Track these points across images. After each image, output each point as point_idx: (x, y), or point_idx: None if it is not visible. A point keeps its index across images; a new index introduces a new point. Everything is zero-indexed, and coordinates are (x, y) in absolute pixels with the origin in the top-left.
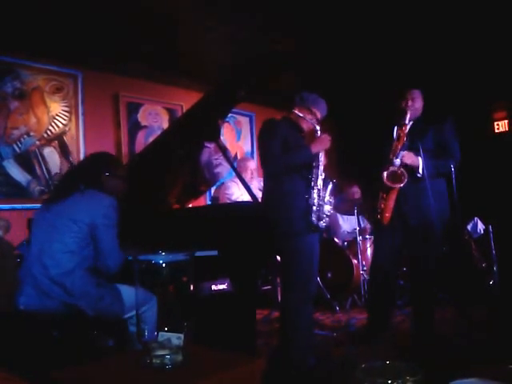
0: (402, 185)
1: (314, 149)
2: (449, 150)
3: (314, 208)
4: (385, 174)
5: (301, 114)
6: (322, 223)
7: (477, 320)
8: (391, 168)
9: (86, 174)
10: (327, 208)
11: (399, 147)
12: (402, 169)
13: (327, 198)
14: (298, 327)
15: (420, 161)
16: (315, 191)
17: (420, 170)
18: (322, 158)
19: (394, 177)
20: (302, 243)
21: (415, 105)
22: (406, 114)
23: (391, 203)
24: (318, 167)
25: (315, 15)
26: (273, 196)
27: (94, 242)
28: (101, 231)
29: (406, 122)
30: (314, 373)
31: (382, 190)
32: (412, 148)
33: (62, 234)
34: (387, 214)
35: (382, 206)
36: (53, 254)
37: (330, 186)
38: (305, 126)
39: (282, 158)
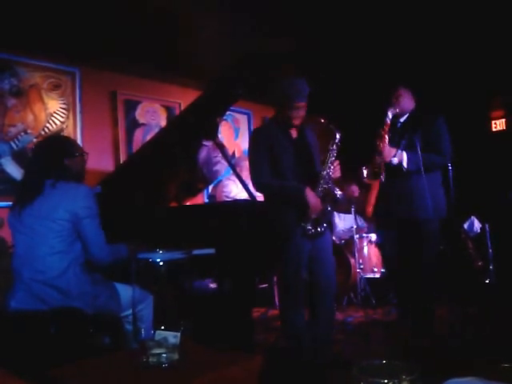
0: (380, 180)
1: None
2: (438, 148)
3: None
4: (364, 171)
5: (290, 115)
6: (319, 229)
7: (473, 319)
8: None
9: (48, 166)
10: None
11: (383, 145)
12: (380, 165)
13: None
14: (295, 326)
15: (404, 155)
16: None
17: (404, 164)
18: (332, 167)
19: (374, 174)
20: (291, 246)
21: (401, 103)
22: (387, 112)
23: (372, 198)
24: (324, 177)
25: (315, 15)
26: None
27: (79, 236)
28: (84, 224)
29: (388, 121)
30: (311, 371)
31: (363, 185)
32: (409, 146)
33: (44, 236)
34: (369, 209)
35: (369, 199)
36: (41, 258)
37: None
38: (297, 122)
39: (272, 187)
